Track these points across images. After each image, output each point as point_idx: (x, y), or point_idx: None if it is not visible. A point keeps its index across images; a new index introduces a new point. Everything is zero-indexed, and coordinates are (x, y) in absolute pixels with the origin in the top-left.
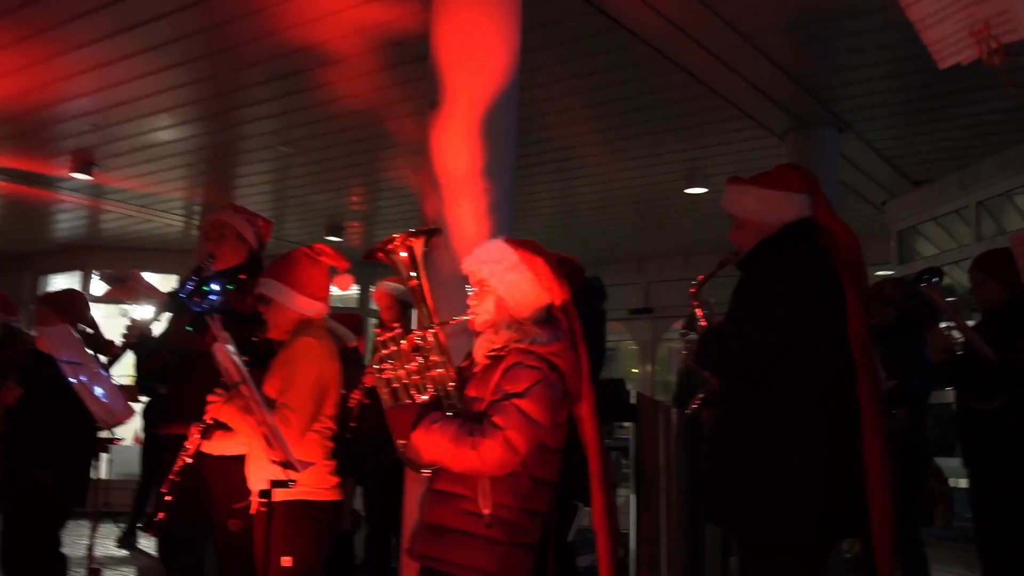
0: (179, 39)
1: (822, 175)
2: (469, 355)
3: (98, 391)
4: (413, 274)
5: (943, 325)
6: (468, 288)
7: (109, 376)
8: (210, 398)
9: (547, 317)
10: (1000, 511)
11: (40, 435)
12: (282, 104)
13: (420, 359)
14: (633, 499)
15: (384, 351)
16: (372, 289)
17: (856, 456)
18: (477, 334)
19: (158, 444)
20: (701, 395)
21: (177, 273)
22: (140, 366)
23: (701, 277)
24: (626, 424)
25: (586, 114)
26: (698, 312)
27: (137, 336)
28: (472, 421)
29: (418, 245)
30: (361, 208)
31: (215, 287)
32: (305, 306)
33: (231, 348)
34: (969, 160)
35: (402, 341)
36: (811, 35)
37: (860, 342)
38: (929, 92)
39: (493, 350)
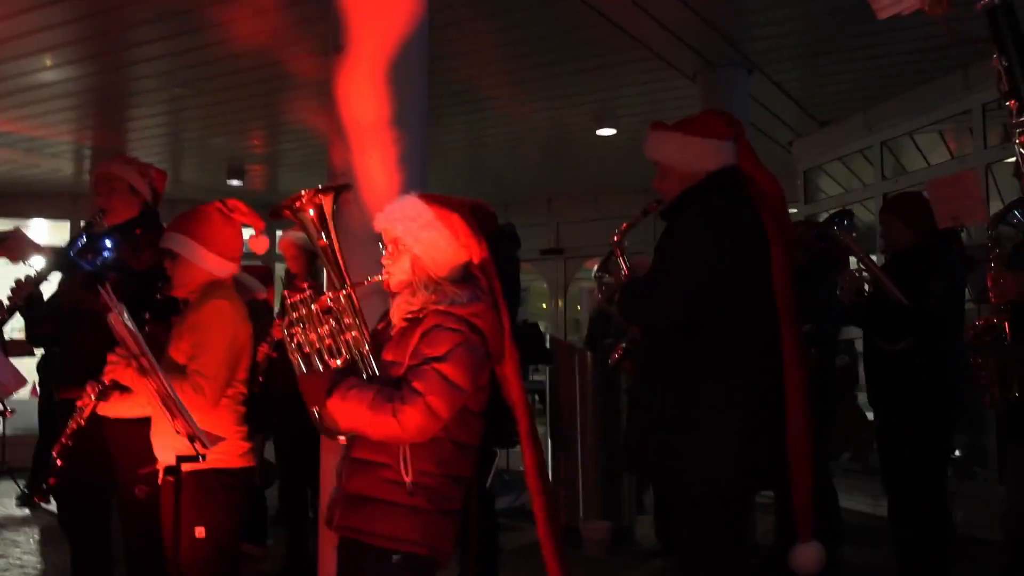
0: None
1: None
2: (385, 316)
3: None
4: (322, 234)
5: (853, 267)
6: (381, 246)
7: None
8: (110, 357)
9: (465, 275)
10: (904, 447)
11: None
12: (174, 44)
13: (332, 322)
14: (549, 442)
15: (294, 314)
16: (279, 237)
17: (778, 408)
18: (393, 295)
19: (53, 402)
20: (623, 345)
21: (69, 219)
22: (30, 329)
23: (625, 225)
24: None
25: (494, 55)
26: (620, 261)
27: (24, 298)
28: (390, 386)
29: (327, 202)
30: (263, 151)
31: (108, 243)
32: (215, 266)
33: (126, 316)
34: (874, 101)
35: (313, 303)
36: None
37: (784, 294)
38: (835, 33)
39: (410, 312)
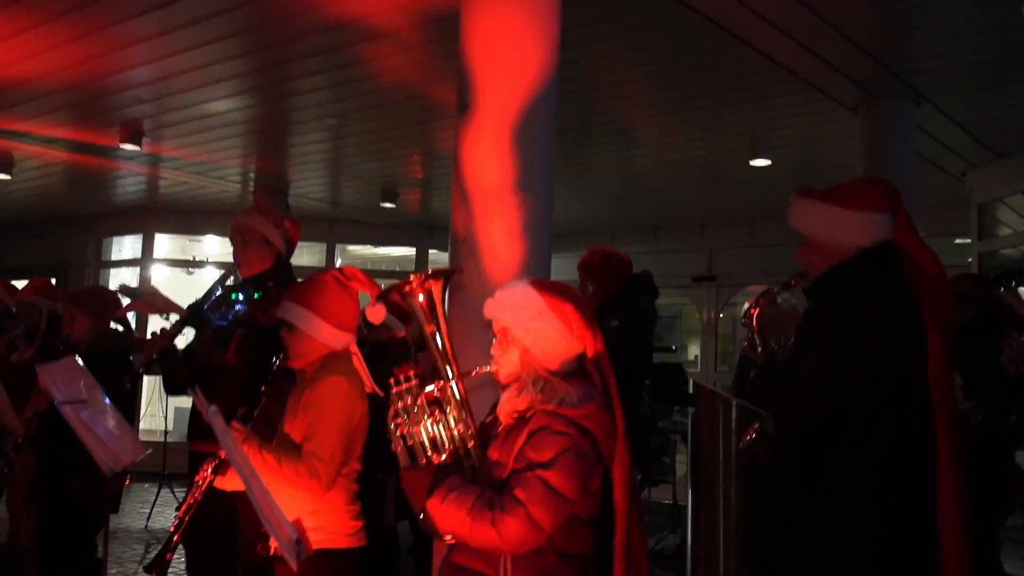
0: (227, 11)
1: (897, 148)
2: (494, 408)
3: (101, 430)
4: (431, 321)
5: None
6: (491, 334)
7: (114, 412)
8: (235, 425)
9: (578, 368)
10: None
11: (72, 441)
12: (327, 77)
13: (438, 413)
14: (691, 494)
15: (399, 404)
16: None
17: (928, 518)
18: (502, 386)
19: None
20: (757, 425)
21: None
22: (167, 381)
23: (763, 300)
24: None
25: (638, 88)
26: (756, 338)
27: (159, 351)
28: (494, 489)
29: (436, 288)
30: (416, 176)
31: (240, 296)
32: (332, 337)
33: (219, 421)
34: None
35: (418, 393)
36: (885, 8)
37: (941, 389)
38: (1011, 63)
39: (517, 411)
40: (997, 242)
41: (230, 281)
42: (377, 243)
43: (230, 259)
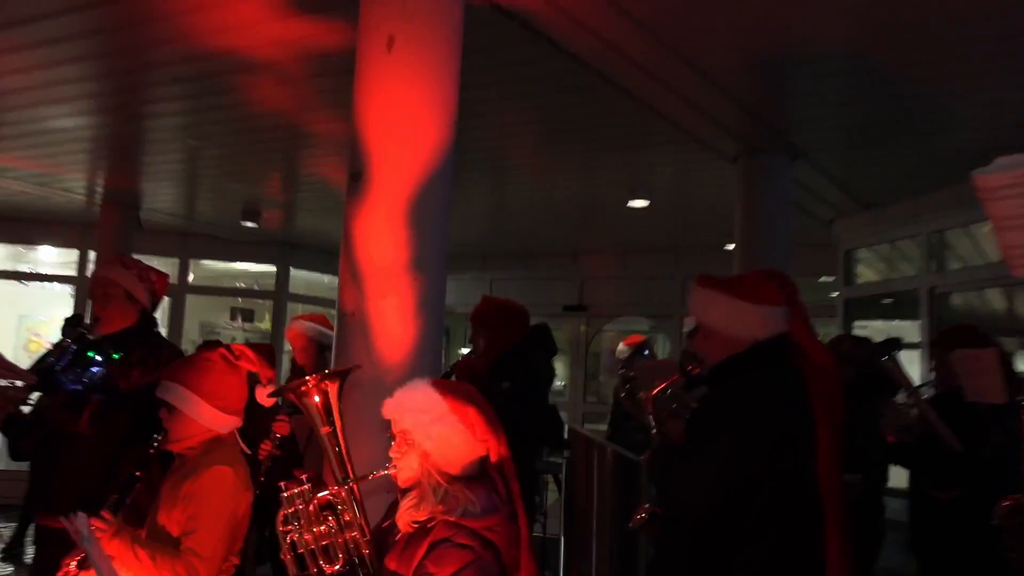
0: (81, 36)
1: (774, 199)
2: (390, 512)
3: None
4: (326, 422)
5: (900, 400)
6: (388, 437)
7: None
8: (95, 524)
9: (480, 472)
10: None
11: None
12: (193, 103)
13: (332, 519)
14: (563, 540)
15: (289, 508)
16: (286, 324)
17: None
18: (400, 491)
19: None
20: (647, 505)
21: (77, 248)
22: (12, 447)
23: (658, 388)
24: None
25: (520, 129)
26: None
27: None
28: None
29: (333, 389)
30: (280, 197)
31: (98, 357)
32: (216, 421)
33: (84, 530)
34: (924, 190)
35: (312, 498)
36: (770, 75)
37: (830, 482)
38: (887, 123)
39: (417, 521)
40: (859, 291)
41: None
42: (235, 259)
43: (69, 271)
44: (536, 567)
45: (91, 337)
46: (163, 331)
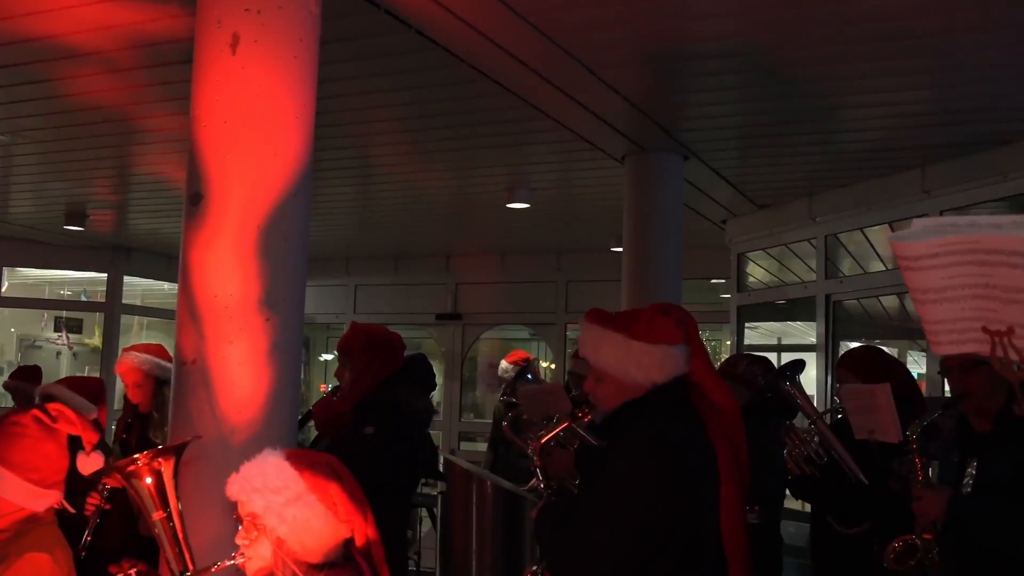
0: None
1: (665, 199)
2: None
3: None
4: (161, 507)
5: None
6: (235, 520)
7: None
8: None
9: (344, 555)
10: None
11: None
12: (3, 93)
13: None
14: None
15: None
16: (118, 356)
17: None
18: None
19: None
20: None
21: None
22: None
23: (544, 437)
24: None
25: (384, 115)
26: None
27: None
28: None
29: (168, 468)
30: (110, 198)
31: None
32: (29, 498)
33: None
34: (820, 190)
35: None
36: (660, 70)
37: (734, 538)
38: (780, 122)
39: None
40: (752, 297)
41: None
42: (58, 266)
43: None
44: None
45: None
46: None
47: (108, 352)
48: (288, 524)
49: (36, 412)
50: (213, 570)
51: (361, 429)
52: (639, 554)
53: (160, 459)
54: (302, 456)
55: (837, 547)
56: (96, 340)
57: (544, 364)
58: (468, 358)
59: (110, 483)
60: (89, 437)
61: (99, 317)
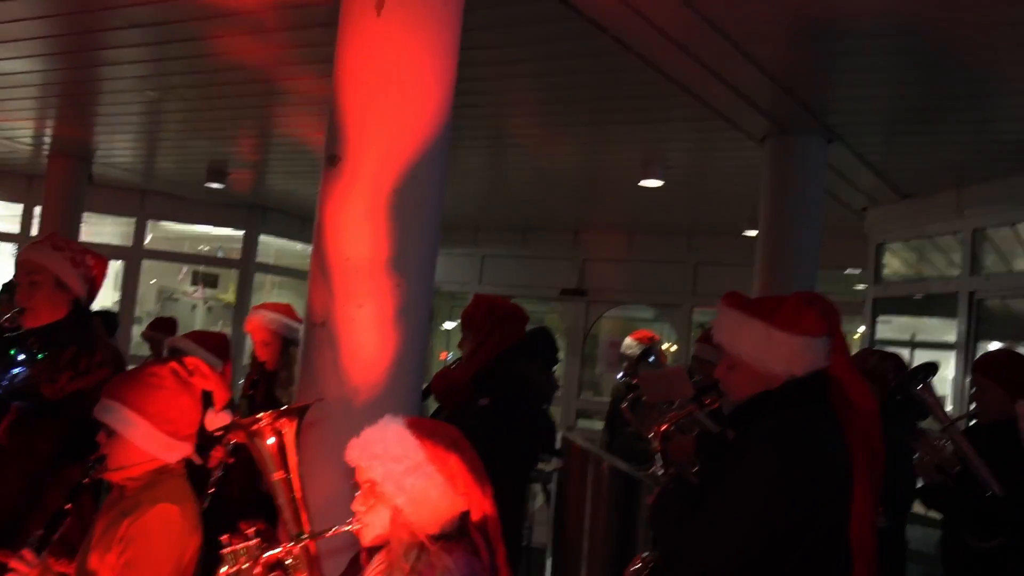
0: None
1: (805, 184)
2: (351, 570)
3: None
4: (281, 468)
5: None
6: (352, 486)
7: None
8: (14, 566)
9: (460, 528)
10: None
11: None
12: (155, 50)
13: None
14: (550, 561)
15: (231, 568)
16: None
17: None
18: (365, 551)
19: None
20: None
21: (23, 202)
22: None
23: (669, 421)
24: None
25: (522, 91)
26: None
27: None
28: None
29: (290, 430)
30: (249, 158)
31: (21, 356)
32: (163, 449)
33: None
34: (969, 182)
35: (259, 557)
36: (807, 47)
37: (863, 544)
38: (931, 106)
39: None
40: (889, 290)
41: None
42: (197, 221)
43: (11, 227)
44: None
45: (13, 331)
46: (115, 296)
47: (241, 308)
48: (406, 494)
49: (175, 365)
50: (329, 534)
51: (476, 400)
52: (766, 554)
53: (283, 420)
54: (423, 425)
55: (970, 559)
56: (230, 296)
57: (666, 346)
58: (590, 335)
59: (234, 439)
60: (221, 395)
61: (234, 274)
